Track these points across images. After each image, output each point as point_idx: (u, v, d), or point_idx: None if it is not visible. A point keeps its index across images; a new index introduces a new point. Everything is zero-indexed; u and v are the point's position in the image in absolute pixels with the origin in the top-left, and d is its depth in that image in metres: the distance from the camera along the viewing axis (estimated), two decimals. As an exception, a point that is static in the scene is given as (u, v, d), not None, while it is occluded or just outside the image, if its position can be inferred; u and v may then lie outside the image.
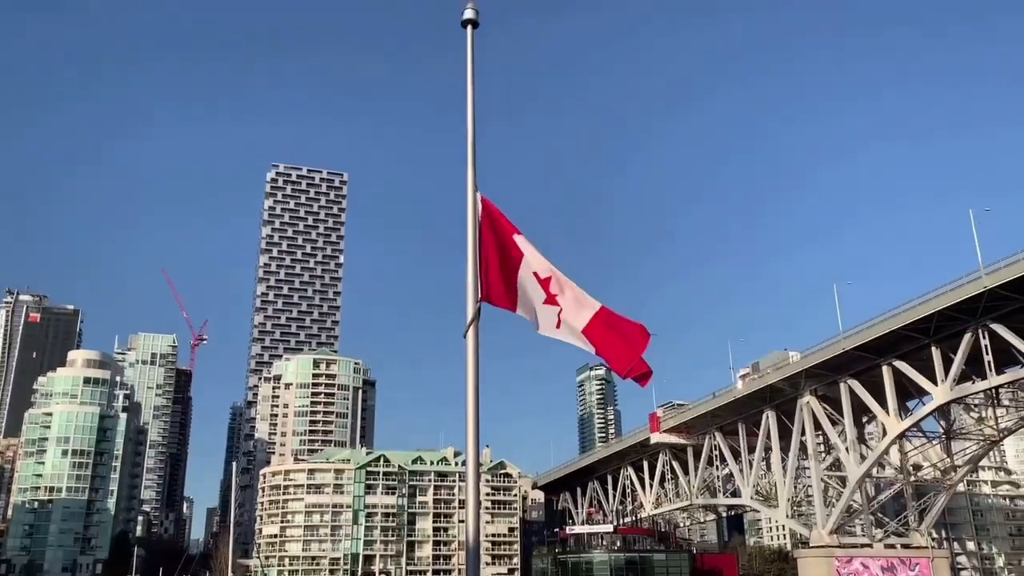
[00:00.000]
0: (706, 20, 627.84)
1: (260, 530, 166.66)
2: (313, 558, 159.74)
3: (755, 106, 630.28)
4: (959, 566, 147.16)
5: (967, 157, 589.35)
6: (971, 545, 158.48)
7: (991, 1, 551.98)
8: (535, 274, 8.51)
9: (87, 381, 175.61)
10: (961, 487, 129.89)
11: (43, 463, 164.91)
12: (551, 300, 8.45)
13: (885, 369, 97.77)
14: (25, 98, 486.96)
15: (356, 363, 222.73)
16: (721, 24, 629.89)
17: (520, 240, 8.61)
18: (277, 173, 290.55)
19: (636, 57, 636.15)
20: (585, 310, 8.42)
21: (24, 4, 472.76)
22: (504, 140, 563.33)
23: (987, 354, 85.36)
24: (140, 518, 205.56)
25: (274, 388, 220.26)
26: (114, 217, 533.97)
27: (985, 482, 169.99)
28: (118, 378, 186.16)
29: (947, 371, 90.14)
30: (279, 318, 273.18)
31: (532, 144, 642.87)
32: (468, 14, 9.91)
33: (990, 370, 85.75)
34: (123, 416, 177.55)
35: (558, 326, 8.43)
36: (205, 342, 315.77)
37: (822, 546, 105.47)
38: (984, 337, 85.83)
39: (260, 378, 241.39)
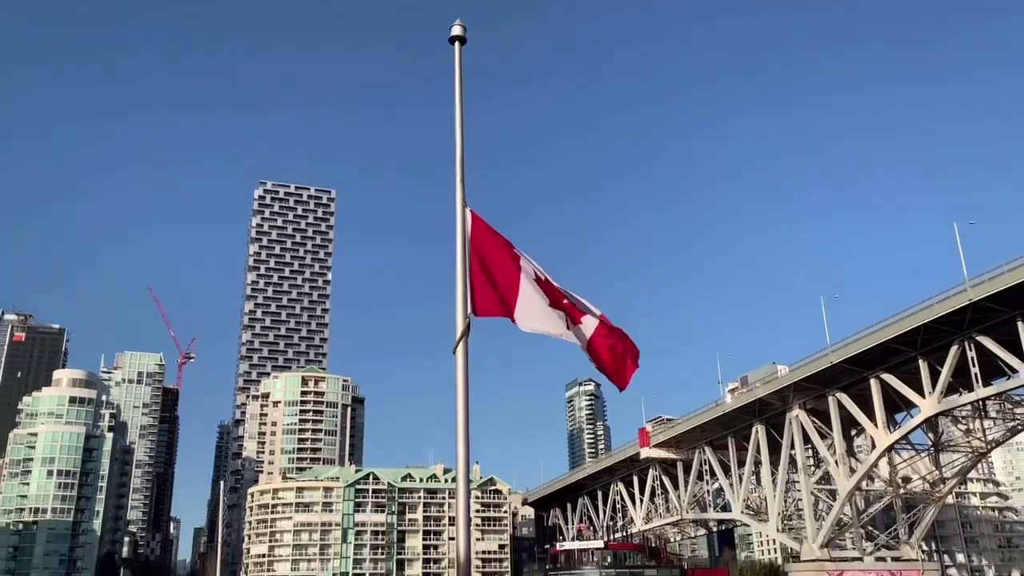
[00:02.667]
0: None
1: (248, 550, 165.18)
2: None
3: (755, 134, 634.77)
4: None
5: (952, 172, 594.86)
6: (960, 557, 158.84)
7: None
8: (535, 280, 8.64)
9: (72, 401, 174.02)
10: (950, 499, 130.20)
11: (28, 484, 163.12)
12: (556, 304, 8.63)
13: (873, 382, 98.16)
14: (12, 123, 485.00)
15: (345, 380, 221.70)
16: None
17: (516, 250, 8.70)
18: (265, 190, 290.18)
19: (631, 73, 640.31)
20: (588, 317, 8.63)
21: (25, 48, 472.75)
22: (492, 152, 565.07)
23: (974, 366, 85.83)
24: (126, 539, 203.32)
25: (262, 406, 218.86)
26: (100, 236, 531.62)
27: (974, 494, 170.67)
28: (104, 397, 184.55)
29: (934, 384, 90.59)
30: (267, 336, 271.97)
31: (520, 158, 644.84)
32: (456, 31, 9.98)
33: (977, 382, 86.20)
34: (109, 436, 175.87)
35: (568, 327, 8.62)
36: (192, 360, 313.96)
37: (813, 560, 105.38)
38: (970, 349, 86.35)
39: (248, 396, 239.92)
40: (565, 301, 8.63)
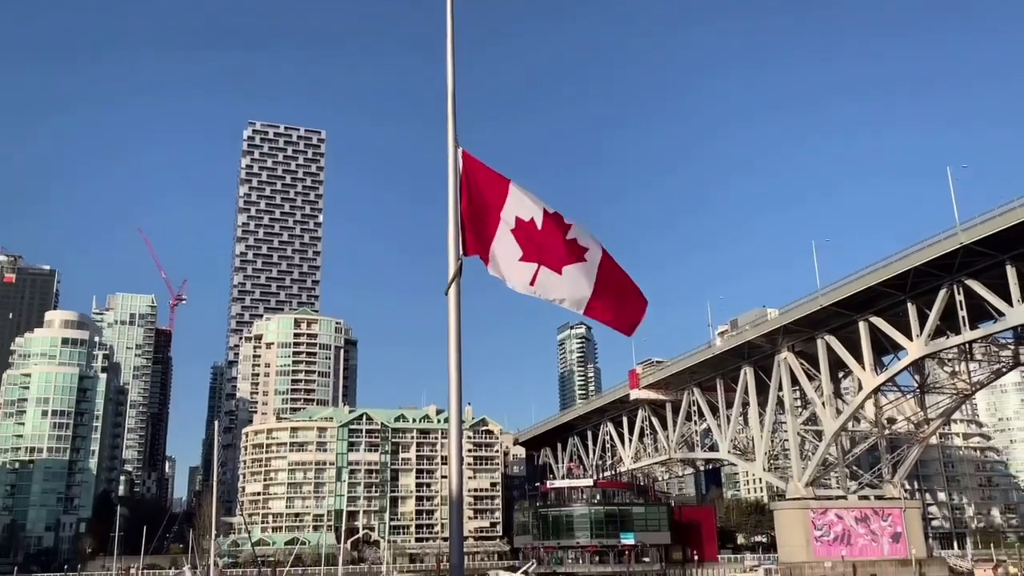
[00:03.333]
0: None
1: (243, 488, 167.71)
2: (297, 515, 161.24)
3: (748, 89, 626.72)
4: (930, 516, 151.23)
5: (948, 116, 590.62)
6: (942, 496, 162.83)
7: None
8: (513, 231, 8.36)
9: (65, 342, 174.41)
10: (933, 440, 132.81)
11: (23, 423, 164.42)
12: (532, 253, 8.32)
13: (862, 325, 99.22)
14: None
15: (337, 323, 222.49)
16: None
17: (508, 189, 8.44)
18: (254, 130, 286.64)
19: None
20: (584, 254, 8.29)
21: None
22: (487, 76, 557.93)
23: (962, 309, 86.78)
24: (122, 478, 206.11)
25: (255, 348, 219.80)
26: (86, 176, 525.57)
27: (957, 435, 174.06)
28: (96, 338, 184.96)
29: (922, 327, 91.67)
30: (259, 278, 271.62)
31: (517, 80, 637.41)
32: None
33: (964, 325, 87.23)
34: (103, 376, 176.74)
35: (532, 283, 8.31)
36: (184, 302, 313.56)
37: (798, 498, 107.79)
38: (959, 293, 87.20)
39: (241, 338, 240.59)
40: (559, 245, 8.26)
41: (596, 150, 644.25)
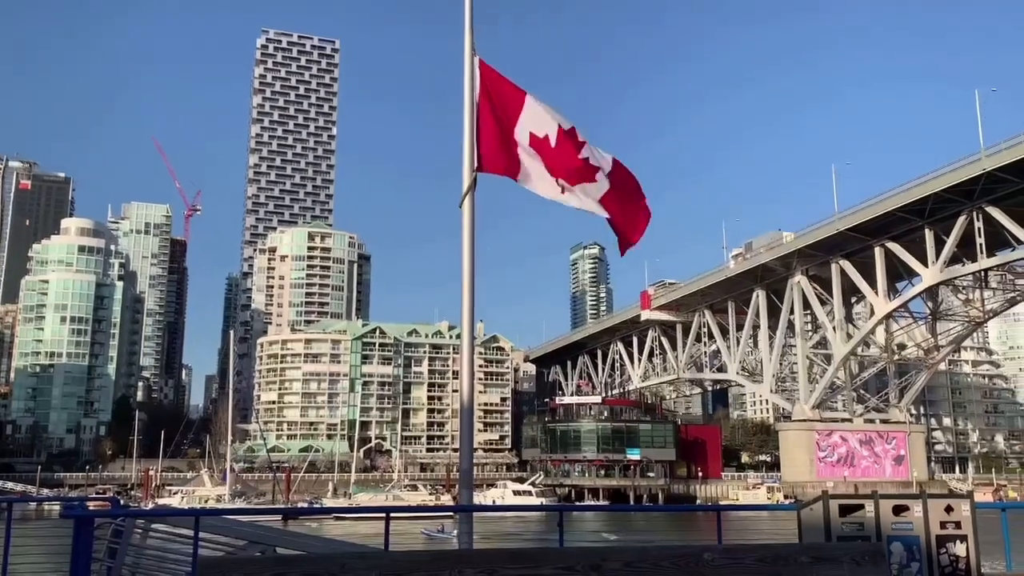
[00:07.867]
0: None
1: (259, 396, 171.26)
2: (311, 423, 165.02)
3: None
4: (934, 440, 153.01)
5: (975, 38, 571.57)
6: (947, 421, 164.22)
7: None
8: (531, 145, 8.15)
9: (82, 249, 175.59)
10: (942, 366, 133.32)
11: (42, 329, 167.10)
12: (552, 169, 8.16)
13: (877, 250, 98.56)
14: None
15: (351, 237, 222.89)
16: None
17: (524, 103, 8.23)
18: (267, 39, 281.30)
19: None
20: (596, 175, 8.22)
21: None
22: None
23: (980, 236, 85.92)
24: (140, 384, 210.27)
25: (269, 260, 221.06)
26: (101, 85, 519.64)
27: (966, 361, 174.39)
28: (112, 247, 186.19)
29: (938, 253, 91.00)
30: (272, 190, 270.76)
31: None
32: None
33: (981, 252, 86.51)
34: (119, 284, 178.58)
35: (563, 192, 8.22)
36: (199, 212, 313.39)
37: (804, 420, 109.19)
38: (978, 220, 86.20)
39: (255, 250, 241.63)
40: (574, 162, 8.18)
41: (615, 55, 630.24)
